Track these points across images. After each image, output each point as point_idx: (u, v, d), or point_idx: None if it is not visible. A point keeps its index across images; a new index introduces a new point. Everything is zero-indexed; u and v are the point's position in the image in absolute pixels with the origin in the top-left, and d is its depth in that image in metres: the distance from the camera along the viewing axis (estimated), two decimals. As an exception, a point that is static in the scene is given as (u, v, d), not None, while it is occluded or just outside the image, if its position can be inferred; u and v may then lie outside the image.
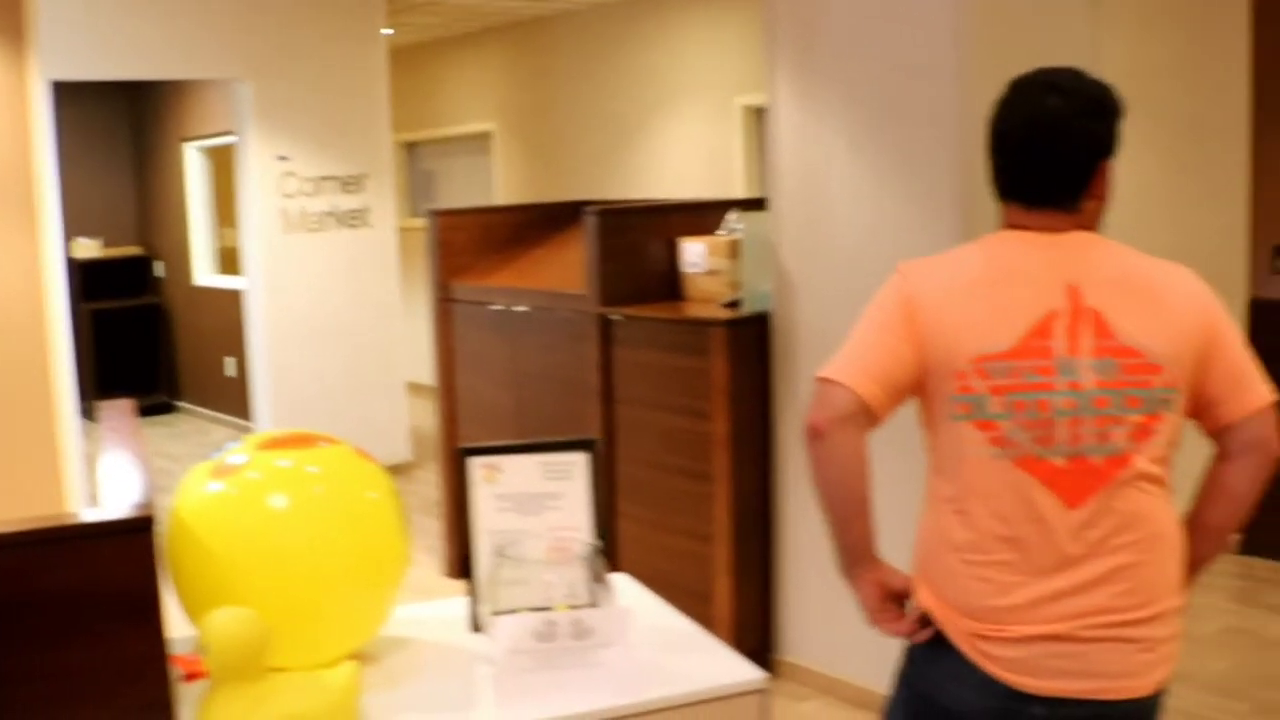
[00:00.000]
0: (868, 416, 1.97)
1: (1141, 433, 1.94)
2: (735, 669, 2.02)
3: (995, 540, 1.94)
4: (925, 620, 2.02)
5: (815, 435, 1.98)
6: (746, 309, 4.38)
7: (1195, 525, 2.06)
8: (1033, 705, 1.92)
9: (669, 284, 4.79)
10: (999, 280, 1.97)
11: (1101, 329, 1.93)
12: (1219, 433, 2.03)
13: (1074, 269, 1.97)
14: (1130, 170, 5.76)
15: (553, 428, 4.92)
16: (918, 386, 2.00)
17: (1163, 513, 1.98)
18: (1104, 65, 5.77)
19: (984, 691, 1.94)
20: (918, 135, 3.80)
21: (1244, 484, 2.04)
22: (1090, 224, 2.04)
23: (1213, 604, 5.00)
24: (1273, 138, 5.33)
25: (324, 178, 7.63)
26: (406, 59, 10.36)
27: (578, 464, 2.23)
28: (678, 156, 8.34)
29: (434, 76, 10.71)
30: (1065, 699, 1.92)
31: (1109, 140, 2.01)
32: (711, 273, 4.66)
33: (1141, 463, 1.94)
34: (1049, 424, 1.91)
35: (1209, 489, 2.07)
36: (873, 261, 3.88)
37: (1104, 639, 1.92)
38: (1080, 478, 1.92)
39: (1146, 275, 2.00)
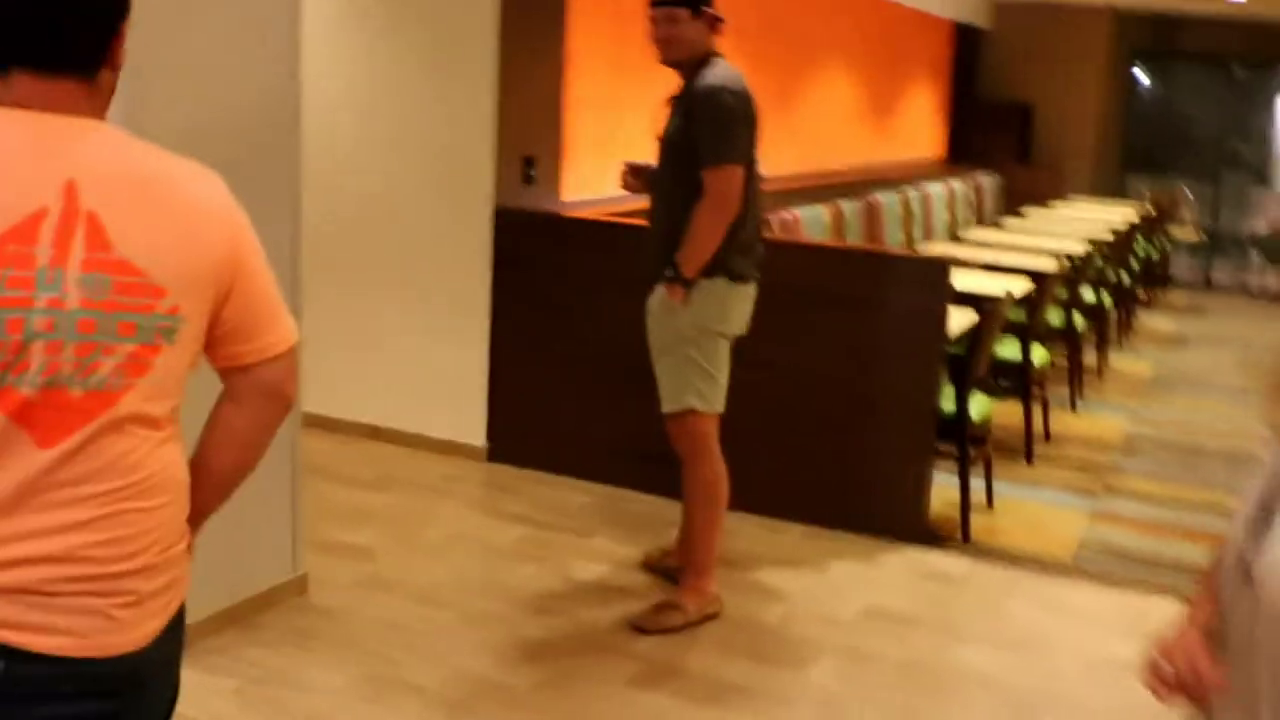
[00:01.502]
0: None
1: (136, 366, 1.63)
2: None
3: None
4: None
5: None
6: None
7: (199, 470, 1.80)
8: None
9: None
10: None
11: (97, 237, 1.58)
12: (231, 372, 1.78)
13: (74, 159, 1.60)
14: (378, 65, 5.70)
15: None
16: None
17: (159, 460, 1.69)
18: None
19: None
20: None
21: (255, 431, 1.83)
22: (104, 103, 1.70)
23: (448, 511, 4.99)
24: (519, 42, 5.32)
25: None
26: None
27: None
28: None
29: None
30: (22, 652, 1.59)
31: None
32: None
33: (134, 401, 1.63)
34: (21, 347, 1.55)
35: (214, 434, 1.82)
36: None
37: (72, 593, 1.62)
38: (56, 413, 1.58)
39: (166, 179, 1.68)
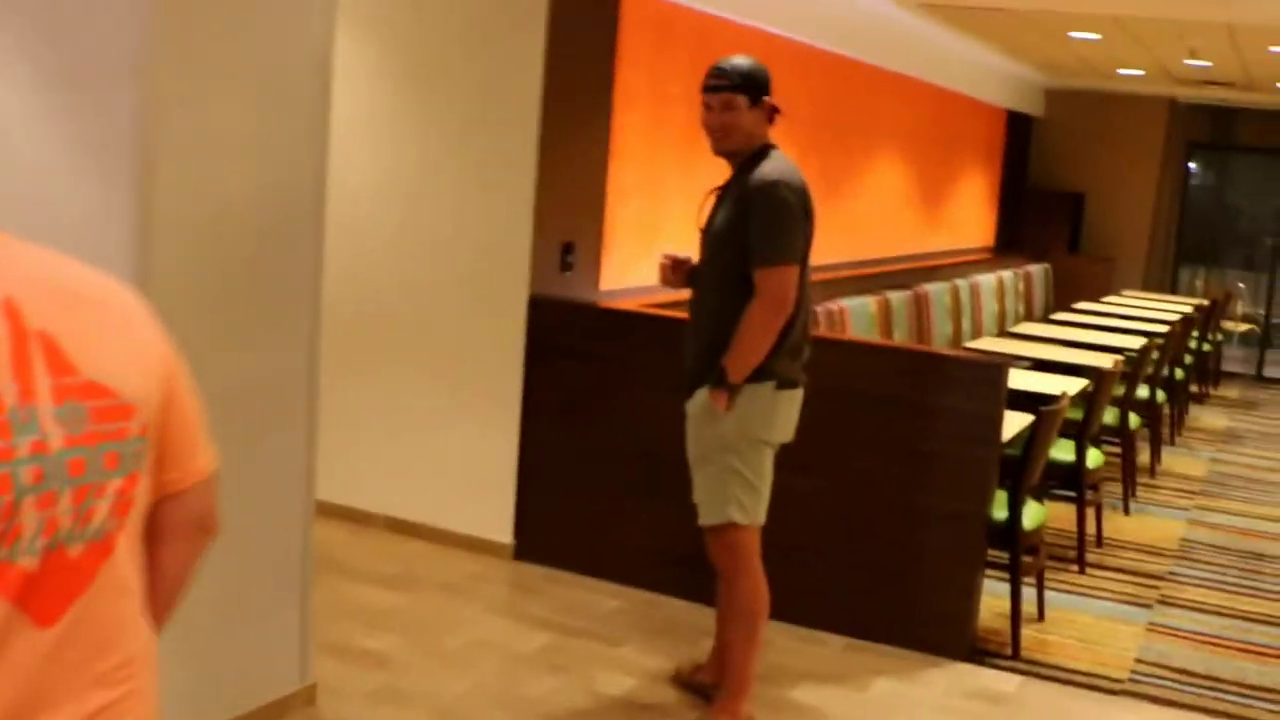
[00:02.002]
0: None
1: (123, 504, 1.39)
2: None
3: None
4: None
5: None
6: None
7: None
8: None
9: None
10: None
11: (57, 360, 1.34)
12: (160, 503, 1.51)
13: (3, 274, 1.35)
14: (414, 147, 5.56)
15: None
16: None
17: (143, 628, 1.46)
18: (384, 26, 5.56)
19: None
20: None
21: (185, 572, 1.59)
22: None
23: (470, 614, 4.77)
24: (562, 125, 5.17)
25: None
26: None
27: None
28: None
29: None
30: None
31: None
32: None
33: (124, 546, 1.40)
34: (13, 509, 1.27)
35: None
36: None
37: None
38: (57, 580, 1.32)
39: (93, 286, 1.45)
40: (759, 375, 3.68)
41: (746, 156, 3.74)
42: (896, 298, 8.03)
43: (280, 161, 3.55)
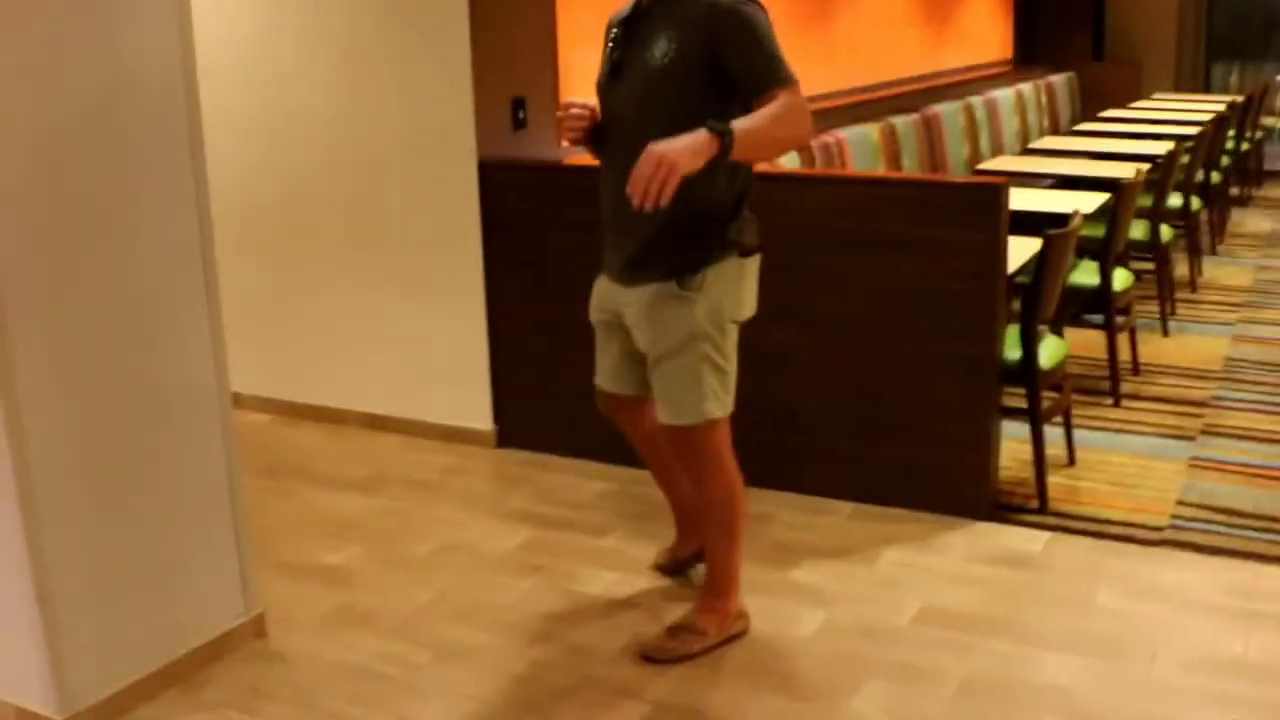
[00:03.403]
0: None
1: None
2: None
3: None
4: None
5: None
6: None
7: None
8: None
9: None
10: None
11: None
12: None
13: None
14: (338, 20, 5.04)
15: None
16: None
17: None
18: None
19: None
20: None
21: None
22: None
23: (443, 514, 4.38)
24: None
25: None
26: None
27: None
28: None
29: None
30: None
31: None
32: None
33: None
34: None
35: None
36: None
37: None
38: None
39: None
40: (723, 248, 3.17)
41: None
42: (903, 122, 7.44)
43: (127, 53, 3.06)
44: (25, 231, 2.86)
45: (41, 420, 2.92)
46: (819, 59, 7.48)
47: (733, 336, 3.26)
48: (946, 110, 8.14)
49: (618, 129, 3.19)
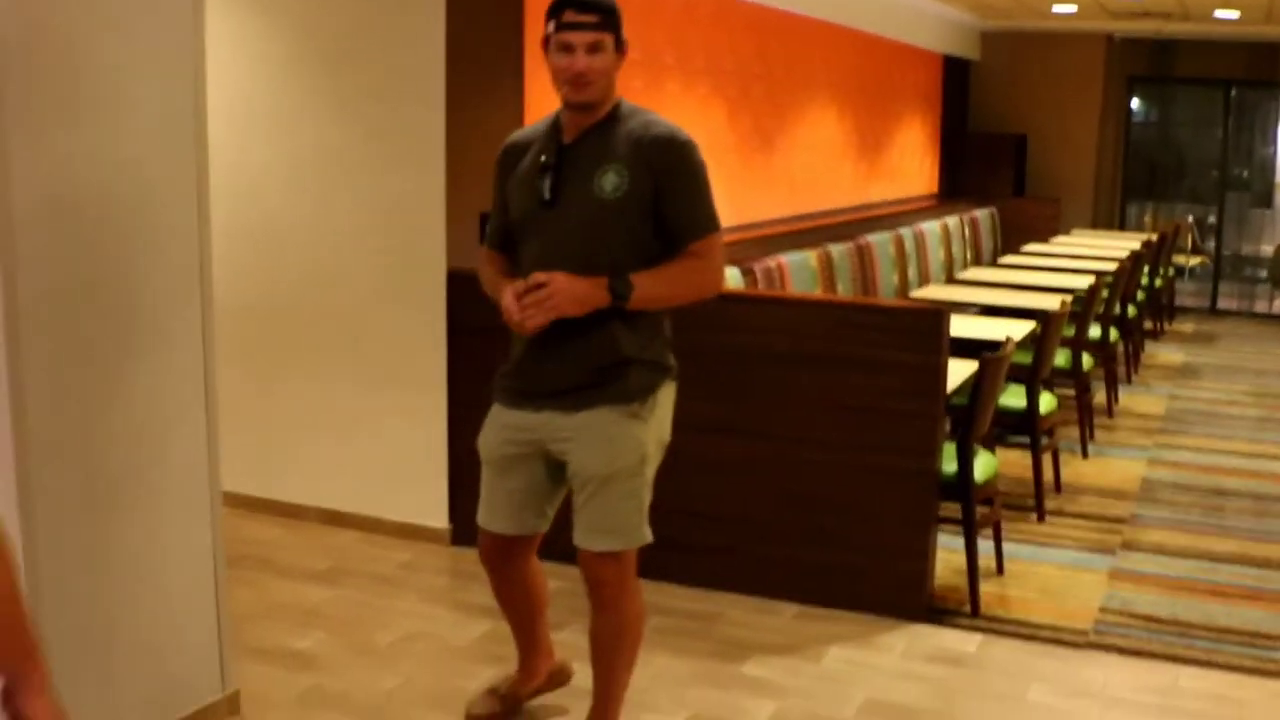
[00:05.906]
0: None
1: None
2: None
3: None
4: None
5: None
6: None
7: None
8: None
9: None
10: None
11: None
12: None
13: None
14: (315, 133, 5.29)
15: None
16: None
17: None
18: (281, 17, 5.28)
19: None
20: None
21: None
22: None
23: (404, 606, 4.54)
24: (468, 91, 4.93)
25: None
26: None
27: None
28: None
29: None
30: None
31: None
32: None
33: None
34: None
35: None
36: None
37: None
38: None
39: None
40: (664, 370, 3.25)
41: (607, 109, 3.18)
42: (838, 250, 7.82)
43: (145, 157, 3.30)
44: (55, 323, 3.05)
45: (48, 503, 3.08)
46: (762, 188, 7.86)
47: (659, 461, 3.33)
48: (878, 240, 8.54)
49: (553, 259, 3.13)
